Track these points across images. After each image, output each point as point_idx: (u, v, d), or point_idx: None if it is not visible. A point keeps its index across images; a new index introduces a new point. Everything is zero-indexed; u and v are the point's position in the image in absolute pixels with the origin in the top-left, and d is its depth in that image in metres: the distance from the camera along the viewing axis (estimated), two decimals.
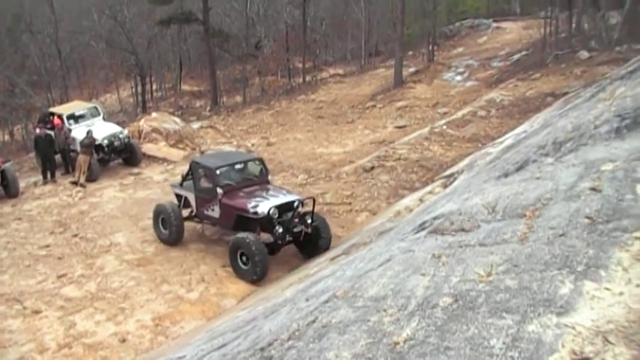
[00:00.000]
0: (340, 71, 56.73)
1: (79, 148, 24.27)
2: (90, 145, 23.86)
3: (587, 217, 5.22)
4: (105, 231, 19.14)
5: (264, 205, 15.78)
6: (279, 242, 15.91)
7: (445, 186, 16.86)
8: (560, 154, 8.29)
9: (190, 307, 14.65)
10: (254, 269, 15.12)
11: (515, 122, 24.77)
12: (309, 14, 57.52)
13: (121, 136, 25.65)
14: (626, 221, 5.01)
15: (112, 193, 22.85)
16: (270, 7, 61.78)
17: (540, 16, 46.10)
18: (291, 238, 16.08)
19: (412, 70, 47.82)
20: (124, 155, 25.96)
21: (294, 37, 55.44)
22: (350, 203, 19.90)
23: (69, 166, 25.14)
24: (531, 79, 34.44)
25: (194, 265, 16.62)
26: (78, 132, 25.00)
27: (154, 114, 33.03)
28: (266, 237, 15.87)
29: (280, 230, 15.63)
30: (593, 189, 5.79)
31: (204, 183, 17.06)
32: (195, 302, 14.84)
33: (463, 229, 5.92)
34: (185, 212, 18.18)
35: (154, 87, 58.21)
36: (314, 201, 16.67)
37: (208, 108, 46.36)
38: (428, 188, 17.72)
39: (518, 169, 8.38)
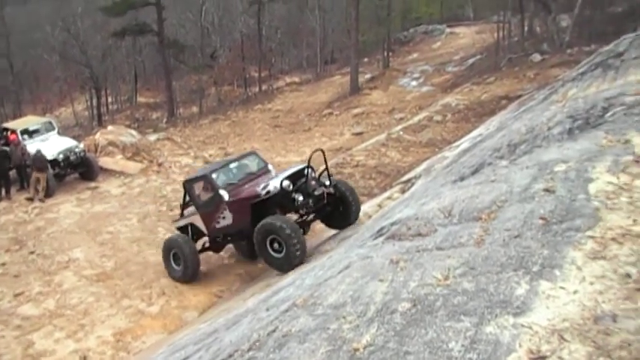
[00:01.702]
0: (296, 79, 56.91)
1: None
2: (41, 161, 23.50)
3: (542, 218, 5.30)
4: (63, 247, 18.84)
5: (274, 183, 14.06)
6: (306, 214, 14.50)
7: (403, 191, 16.96)
8: (514, 156, 8.39)
9: (151, 321, 14.51)
10: (292, 254, 13.02)
11: (471, 126, 25.02)
12: (264, 23, 57.64)
13: (76, 150, 25.33)
14: (579, 221, 5.09)
15: (69, 208, 22.54)
16: (225, 16, 61.73)
17: (493, 20, 46.68)
18: (314, 207, 14.28)
19: (368, 76, 48.08)
20: (80, 169, 25.62)
21: (249, 47, 55.52)
22: None
23: (24, 182, 24.78)
24: (486, 82, 34.82)
25: (154, 279, 16.46)
26: (33, 147, 24.66)
27: (109, 127, 32.74)
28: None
29: (301, 198, 13.88)
30: (547, 190, 5.87)
31: (205, 195, 15.55)
32: (156, 316, 14.71)
33: (420, 234, 5.97)
34: (197, 245, 16.49)
35: (110, 100, 57.90)
36: (323, 153, 15.06)
37: (165, 119, 46.25)
38: (386, 194, 17.81)
39: (474, 173, 8.46)
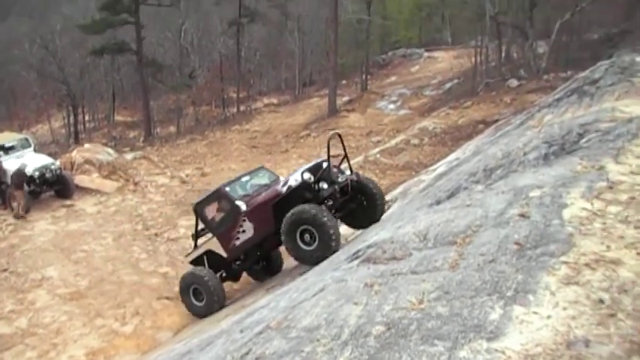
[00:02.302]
0: (274, 101, 57.00)
1: (8, 180, 23.79)
2: (20, 178, 23.35)
3: (516, 243, 5.33)
4: (36, 265, 18.65)
5: (293, 178, 13.37)
6: (334, 202, 13.42)
7: None
8: (490, 180, 8.45)
9: (125, 341, 14.41)
10: (326, 245, 12.03)
11: (448, 150, 25.13)
12: (243, 44, 57.68)
13: (52, 167, 25.14)
14: (553, 246, 5.12)
15: (43, 226, 22.35)
16: (204, 37, 61.81)
17: (471, 45, 46.97)
18: (341, 196, 13.41)
19: (346, 99, 48.20)
20: (56, 187, 25.41)
21: (228, 67, 55.49)
22: None
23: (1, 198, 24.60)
24: (463, 107, 35.01)
25: (128, 298, 16.34)
26: (9, 164, 24.48)
27: (86, 145, 32.58)
28: None
29: (326, 186, 13.06)
30: (522, 215, 5.91)
31: (220, 212, 14.58)
32: (129, 336, 14.61)
33: (395, 258, 5.97)
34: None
35: (87, 117, 57.66)
36: (341, 138, 14.53)
37: (142, 138, 46.09)
38: None
39: (449, 197, 8.51)
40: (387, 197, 18.46)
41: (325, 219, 11.97)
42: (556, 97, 15.19)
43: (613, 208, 5.77)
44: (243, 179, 15.24)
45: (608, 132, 8.55)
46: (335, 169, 13.54)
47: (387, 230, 7.79)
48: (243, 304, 12.75)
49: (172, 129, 49.29)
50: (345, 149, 14.30)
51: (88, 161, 28.45)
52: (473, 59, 43.06)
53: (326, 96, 45.09)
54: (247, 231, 14.07)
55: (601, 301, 4.28)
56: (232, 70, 54.61)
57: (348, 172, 13.83)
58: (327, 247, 11.96)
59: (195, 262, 15.31)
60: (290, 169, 28.71)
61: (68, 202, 24.85)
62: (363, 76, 53.43)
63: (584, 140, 8.63)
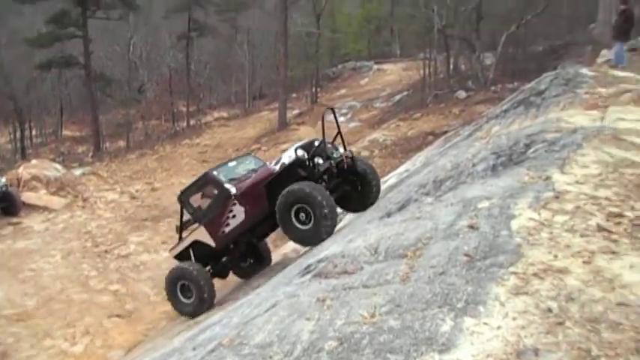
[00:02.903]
0: (224, 114, 56.84)
1: None
2: None
3: (466, 255, 5.37)
4: None
5: (286, 156, 12.76)
6: (329, 181, 12.69)
7: None
8: (440, 192, 8.52)
9: None
10: (322, 225, 11.54)
11: (398, 162, 25.29)
12: (193, 58, 57.53)
13: None
14: (502, 257, 5.18)
15: None
16: (153, 50, 61.53)
17: (419, 57, 47.36)
18: (337, 173, 12.71)
19: (296, 112, 48.32)
20: (2, 204, 25.02)
21: (177, 81, 55.27)
22: None
23: None
24: (412, 118, 35.29)
25: (78, 317, 16.12)
26: None
27: (33, 161, 32.19)
28: None
29: (321, 161, 12.49)
30: (471, 227, 5.96)
31: (206, 201, 13.99)
32: (80, 356, 14.39)
33: (346, 272, 5.98)
34: None
35: (34, 132, 56.85)
36: (334, 112, 14.04)
37: (91, 154, 45.59)
38: None
39: (400, 209, 8.56)
40: (338, 210, 18.49)
41: (320, 196, 11.46)
42: (503, 109, 15.39)
43: (560, 218, 5.85)
44: (230, 164, 14.58)
45: (554, 142, 8.68)
46: (330, 146, 13.00)
47: (338, 244, 7.81)
48: (196, 320, 12.67)
49: (122, 144, 48.87)
50: (338, 126, 13.74)
51: (35, 177, 28.08)
52: (421, 71, 43.46)
53: (276, 109, 45.10)
54: (238, 215, 13.34)
55: (549, 310, 4.33)
56: (182, 83, 54.42)
57: (342, 150, 13.32)
58: (323, 227, 11.54)
59: (181, 256, 14.52)
60: None
61: (15, 220, 24.49)
62: (313, 89, 53.59)
63: (531, 151, 8.75)
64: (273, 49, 57.66)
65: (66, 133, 57.50)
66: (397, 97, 46.05)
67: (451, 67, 44.14)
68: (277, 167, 12.75)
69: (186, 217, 14.64)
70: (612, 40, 20.06)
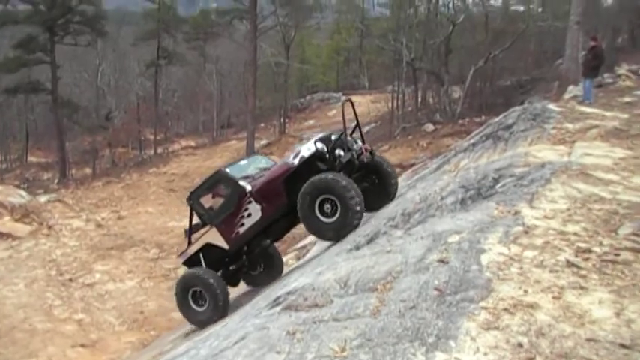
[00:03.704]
0: (192, 143, 56.72)
1: None
2: None
3: (436, 289, 5.38)
4: None
5: (305, 149, 12.10)
6: (350, 174, 11.82)
7: (298, 258, 16.96)
8: (409, 225, 8.53)
9: None
10: (351, 215, 10.92)
11: None
12: (161, 86, 57.43)
13: None
14: (472, 292, 5.19)
15: None
16: (121, 78, 61.39)
17: (388, 90, 47.68)
18: (359, 165, 12.08)
19: (264, 142, 48.36)
20: None
21: (145, 109, 55.07)
22: None
23: None
24: (380, 150, 35.38)
25: (41, 347, 15.86)
26: None
27: None
28: None
29: (342, 152, 11.91)
30: (441, 261, 5.98)
31: (220, 198, 13.16)
32: None
33: (317, 305, 5.95)
34: None
35: None
36: (352, 104, 13.36)
37: (56, 181, 45.15)
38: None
39: (369, 242, 8.54)
40: (306, 240, 18.50)
41: (347, 184, 10.86)
42: (471, 142, 15.50)
43: (529, 253, 5.90)
44: (242, 163, 13.98)
45: (522, 177, 8.76)
46: (349, 139, 12.42)
47: (307, 276, 7.77)
48: (161, 351, 12.52)
49: (88, 171, 48.50)
50: (357, 119, 13.25)
51: None
52: (390, 104, 43.74)
53: (244, 139, 45.05)
54: (254, 214, 12.52)
55: (520, 345, 4.34)
56: (150, 111, 54.23)
57: (360, 143, 12.68)
58: (350, 218, 10.90)
59: (190, 261, 13.61)
60: None
61: None
62: (281, 120, 53.70)
63: (499, 185, 8.82)
64: (242, 79, 57.73)
65: (31, 159, 57.00)
66: (365, 129, 45.97)
67: (419, 99, 44.50)
68: (296, 161, 12.03)
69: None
70: (581, 77, 20.33)
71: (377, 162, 12.72)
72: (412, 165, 27.76)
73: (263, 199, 12.27)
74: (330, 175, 11.04)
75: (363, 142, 12.87)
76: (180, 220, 28.75)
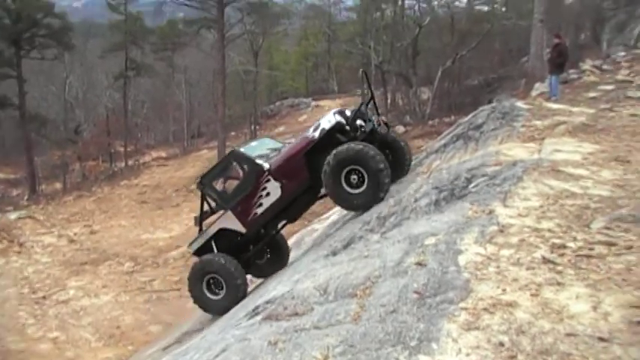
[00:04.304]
0: (163, 154, 56.48)
1: None
2: None
3: (416, 292, 5.40)
4: None
5: (325, 121, 11.84)
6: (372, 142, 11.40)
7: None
8: (384, 229, 8.54)
9: None
10: (381, 183, 10.68)
11: None
12: (130, 97, 57.15)
13: None
14: (451, 293, 5.22)
15: None
16: (90, 90, 61.00)
17: (357, 93, 47.81)
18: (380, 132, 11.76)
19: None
20: None
21: (114, 121, 54.79)
22: (179, 289, 19.51)
23: None
24: None
25: None
26: None
27: None
28: None
29: (362, 122, 11.77)
30: (419, 264, 6.00)
31: (234, 179, 12.76)
32: None
33: (297, 313, 5.94)
34: None
35: None
36: (366, 75, 13.51)
37: (26, 196, 44.71)
38: None
39: (345, 247, 8.54)
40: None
41: (377, 157, 10.56)
42: (442, 143, 15.54)
43: (505, 252, 5.93)
44: (253, 144, 13.55)
45: (494, 176, 8.80)
46: (365, 109, 12.24)
47: (285, 284, 7.76)
48: None
49: (58, 186, 48.09)
50: (372, 91, 13.14)
51: None
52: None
53: (215, 148, 44.98)
54: (273, 193, 12.03)
55: (501, 344, 4.37)
56: (119, 123, 53.98)
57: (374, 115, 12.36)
58: (378, 188, 10.67)
59: (202, 251, 12.99)
60: (181, 224, 28.46)
61: None
62: (252, 127, 53.66)
63: (472, 185, 8.85)
64: (211, 88, 57.66)
65: None
66: None
67: (389, 102, 44.67)
68: (317, 134, 11.73)
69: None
70: (547, 74, 20.54)
71: (392, 135, 12.55)
72: None
73: (283, 176, 11.89)
74: (358, 145, 10.72)
75: (378, 114, 12.68)
76: (154, 232, 28.66)
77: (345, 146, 10.74)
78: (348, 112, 12.13)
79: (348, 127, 11.68)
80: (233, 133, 55.80)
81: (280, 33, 61.74)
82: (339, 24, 66.36)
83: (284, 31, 62.68)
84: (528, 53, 28.57)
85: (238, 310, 9.59)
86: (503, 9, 51.32)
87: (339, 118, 11.61)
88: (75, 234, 29.85)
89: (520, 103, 16.01)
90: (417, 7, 48.00)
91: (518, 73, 36.23)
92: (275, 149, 13.06)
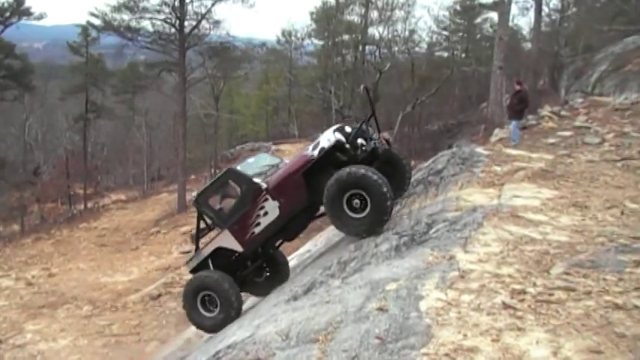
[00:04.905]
0: (123, 197, 56.07)
1: None
2: None
3: (377, 338, 5.41)
4: None
5: (325, 139, 11.49)
6: (373, 164, 11.23)
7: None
8: (345, 274, 8.56)
9: None
10: (380, 211, 10.25)
11: (299, 242, 25.30)
12: (90, 139, 56.87)
13: None
14: (413, 338, 5.24)
15: None
16: (49, 132, 60.58)
17: (317, 138, 48.03)
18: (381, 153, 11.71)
19: (195, 193, 47.96)
20: None
21: (74, 163, 54.34)
22: (138, 333, 19.32)
23: None
24: None
25: None
26: None
27: None
28: None
29: (362, 141, 11.47)
30: (381, 309, 6.02)
31: (231, 199, 12.36)
32: None
33: (259, 359, 5.91)
34: None
35: None
36: (368, 91, 13.40)
37: None
38: None
39: (306, 292, 8.54)
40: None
41: (380, 181, 10.12)
42: None
43: (466, 297, 5.98)
44: (249, 160, 13.35)
45: (455, 221, 8.89)
46: (367, 128, 11.90)
47: (246, 329, 7.72)
48: None
49: (16, 227, 47.38)
50: (373, 108, 12.85)
51: None
52: None
53: (175, 191, 44.84)
54: (271, 212, 11.73)
55: None
56: (79, 165, 53.57)
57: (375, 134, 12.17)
58: (381, 212, 10.25)
59: (199, 268, 12.78)
60: (141, 267, 28.22)
61: None
62: (212, 171, 53.56)
63: (433, 230, 8.93)
64: (172, 131, 57.65)
65: None
66: None
67: None
68: (315, 152, 11.40)
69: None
70: (507, 119, 20.85)
71: (393, 153, 12.41)
72: None
73: (281, 194, 11.63)
74: (361, 170, 10.30)
75: (379, 131, 12.51)
76: (113, 275, 28.35)
77: (347, 170, 10.36)
78: (348, 129, 11.89)
79: (348, 146, 11.38)
80: (193, 177, 55.64)
81: (241, 77, 61.95)
82: (300, 68, 66.78)
83: (245, 75, 62.89)
84: (487, 99, 29.02)
85: (199, 355, 9.50)
86: (463, 55, 52.24)
87: (339, 136, 11.35)
88: (33, 277, 29.39)
89: (480, 149, 16.20)
90: (377, 53, 48.71)
91: (477, 119, 36.75)
92: (272, 166, 12.89)
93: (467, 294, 6.08)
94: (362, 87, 12.69)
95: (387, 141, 12.22)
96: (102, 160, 63.25)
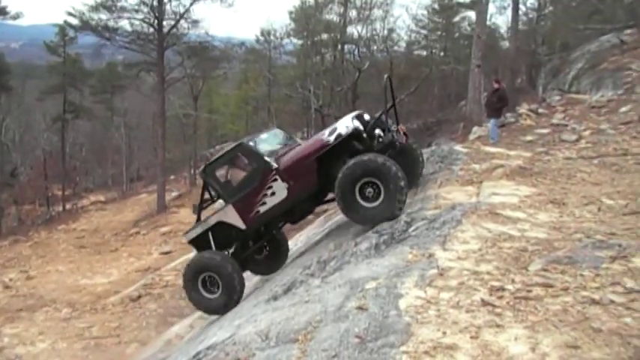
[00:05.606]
0: (102, 198, 55.85)
1: None
2: None
3: (357, 337, 5.41)
4: None
5: (342, 126, 11.29)
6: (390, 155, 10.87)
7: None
8: (325, 273, 8.54)
9: None
10: (393, 203, 10.10)
11: None
12: (68, 140, 56.53)
13: None
14: (392, 337, 5.25)
15: None
16: (27, 133, 60.12)
17: (297, 137, 48.03)
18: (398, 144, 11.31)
19: (175, 194, 47.96)
20: None
21: (52, 164, 54.02)
22: (118, 335, 19.20)
23: None
24: None
25: None
26: None
27: None
28: None
29: (381, 132, 11.33)
30: (360, 308, 6.02)
31: (240, 173, 12.04)
32: None
33: (239, 359, 5.90)
34: None
35: None
36: (391, 82, 12.55)
37: None
38: (197, 314, 17.52)
39: (286, 292, 8.52)
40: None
41: (395, 168, 10.04)
42: None
43: (445, 295, 6.00)
44: (262, 136, 12.79)
45: (434, 220, 8.91)
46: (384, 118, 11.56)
47: (226, 330, 7.70)
48: None
49: None
50: (394, 98, 12.52)
51: None
52: None
53: (154, 192, 44.72)
54: (279, 193, 11.45)
55: None
56: (57, 166, 53.28)
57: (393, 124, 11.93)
58: (394, 203, 10.09)
59: (197, 241, 12.50)
60: (120, 269, 28.08)
61: None
62: (192, 171, 53.42)
63: (412, 229, 8.94)
64: (151, 131, 57.42)
65: None
66: None
67: None
68: (332, 138, 11.19)
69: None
70: (485, 117, 20.95)
71: (410, 145, 12.23)
72: (325, 211, 27.83)
73: (291, 177, 11.37)
74: (380, 159, 10.17)
75: (398, 122, 12.33)
76: (92, 277, 28.20)
77: (366, 157, 10.26)
78: (367, 117, 11.84)
79: (365, 135, 11.31)
80: (172, 177, 55.55)
81: (220, 76, 61.84)
82: (279, 67, 66.61)
83: (224, 75, 62.77)
84: (466, 97, 29.08)
85: (179, 356, 9.48)
86: (442, 54, 52.38)
87: (357, 123, 11.21)
88: (10, 280, 29.18)
89: (459, 147, 16.26)
90: (356, 52, 48.77)
91: (455, 117, 36.82)
92: (286, 144, 12.66)
93: (446, 292, 6.09)
94: (385, 77, 12.07)
95: (405, 133, 11.99)
96: (80, 160, 62.92)
